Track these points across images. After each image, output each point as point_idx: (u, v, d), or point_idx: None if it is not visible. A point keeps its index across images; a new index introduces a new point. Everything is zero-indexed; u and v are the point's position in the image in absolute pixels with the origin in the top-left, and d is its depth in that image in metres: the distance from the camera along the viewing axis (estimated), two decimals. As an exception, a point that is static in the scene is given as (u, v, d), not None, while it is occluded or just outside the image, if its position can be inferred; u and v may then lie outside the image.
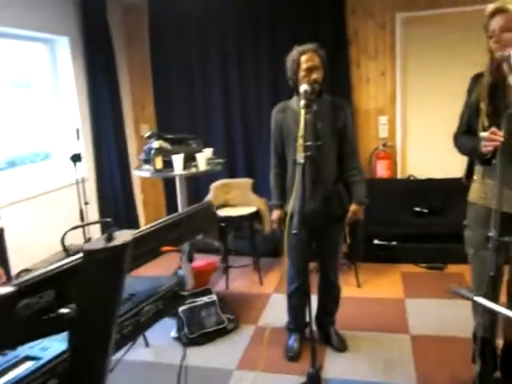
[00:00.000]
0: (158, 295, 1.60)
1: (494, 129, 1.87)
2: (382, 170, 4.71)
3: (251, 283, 4.06)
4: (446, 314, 3.25)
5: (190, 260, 1.59)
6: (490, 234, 1.76)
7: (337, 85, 4.67)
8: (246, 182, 4.24)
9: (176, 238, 1.47)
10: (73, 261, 1.04)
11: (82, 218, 3.44)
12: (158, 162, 2.99)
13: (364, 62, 4.69)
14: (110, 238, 1.02)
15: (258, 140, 4.81)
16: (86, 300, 1.02)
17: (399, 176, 4.81)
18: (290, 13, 4.61)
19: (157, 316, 1.59)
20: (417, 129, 4.72)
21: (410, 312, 3.37)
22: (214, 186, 4.16)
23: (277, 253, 4.40)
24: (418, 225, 4.45)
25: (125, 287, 1.71)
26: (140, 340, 3.09)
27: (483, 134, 1.92)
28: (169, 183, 4.87)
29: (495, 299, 2.22)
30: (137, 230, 1.25)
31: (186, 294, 1.69)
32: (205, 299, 3.33)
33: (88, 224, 3.28)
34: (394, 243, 4.38)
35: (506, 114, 1.82)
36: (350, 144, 2.63)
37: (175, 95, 5.01)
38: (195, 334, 3.12)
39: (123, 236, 1.05)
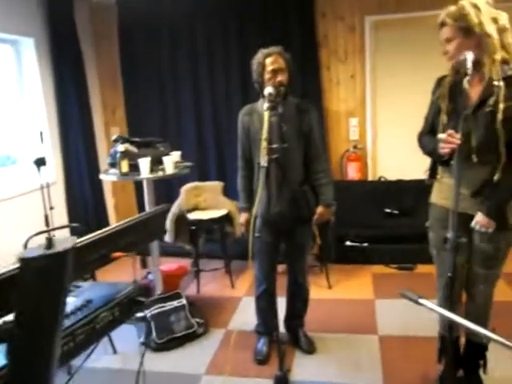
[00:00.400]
0: (115, 302, 1.58)
1: (450, 131, 1.90)
2: (353, 172, 4.75)
3: (222, 287, 4.04)
4: (413, 314, 3.26)
5: (144, 266, 1.54)
6: (448, 234, 1.78)
7: (307, 87, 4.70)
8: (217, 184, 4.22)
9: (129, 244, 1.45)
10: (12, 269, 1.01)
11: (47, 224, 3.36)
12: (124, 166, 2.95)
13: (334, 65, 4.72)
14: (50, 245, 0.99)
15: (228, 143, 4.79)
16: (25, 310, 0.98)
17: (370, 178, 4.86)
18: (259, 15, 4.62)
19: (113, 323, 1.57)
20: (387, 131, 4.77)
21: (379, 313, 3.39)
22: (184, 188, 4.12)
23: (248, 256, 4.38)
24: (389, 226, 4.50)
25: (82, 293, 1.68)
26: (108, 346, 3.04)
27: (440, 136, 1.95)
28: (140, 187, 4.80)
29: (455, 299, 2.26)
30: (84, 237, 1.22)
31: (144, 300, 1.66)
32: (174, 303, 3.30)
33: (53, 229, 3.19)
34: (366, 244, 4.42)
35: (463, 116, 1.85)
36: (317, 147, 2.63)
37: (146, 97, 4.97)
38: (164, 339, 3.08)
39: (65, 243, 1.02)
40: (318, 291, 3.81)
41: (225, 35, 4.71)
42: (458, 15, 1.99)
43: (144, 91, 4.96)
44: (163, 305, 3.26)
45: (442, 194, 2.19)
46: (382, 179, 4.78)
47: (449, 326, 1.86)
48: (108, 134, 5.15)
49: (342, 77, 4.73)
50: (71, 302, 1.48)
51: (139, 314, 3.06)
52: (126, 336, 3.13)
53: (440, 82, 2.20)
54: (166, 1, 4.69)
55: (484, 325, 2.31)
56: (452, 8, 2.01)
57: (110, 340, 3.05)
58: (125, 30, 4.87)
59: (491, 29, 1.99)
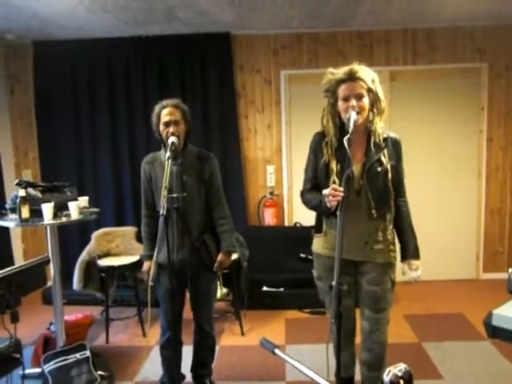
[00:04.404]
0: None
1: (334, 185, 2.05)
2: (269, 218, 4.87)
3: (133, 336, 3.90)
4: (321, 357, 3.33)
5: (14, 320, 1.46)
6: (333, 282, 1.87)
7: (227, 135, 4.86)
8: (130, 230, 4.15)
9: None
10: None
11: None
12: (25, 211, 2.84)
13: (252, 115, 4.92)
14: None
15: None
16: None
17: (286, 223, 4.99)
18: (179, 67, 4.75)
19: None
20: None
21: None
22: (95, 234, 4.02)
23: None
24: (304, 270, 4.58)
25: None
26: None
27: (325, 192, 2.08)
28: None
29: (346, 344, 2.36)
30: None
31: (18, 356, 1.59)
32: (77, 356, 3.13)
33: None
34: (282, 289, 4.48)
35: (345, 176, 2.00)
36: (217, 193, 2.69)
37: (61, 139, 4.89)
38: (62, 396, 2.91)
39: None
40: (230, 338, 3.80)
41: (143, 85, 4.79)
42: (370, 76, 2.17)
43: (59, 132, 4.88)
44: (65, 358, 3.08)
45: (327, 245, 2.32)
46: (298, 225, 4.93)
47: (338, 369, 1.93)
48: (20, 177, 4.95)
49: (260, 126, 4.94)
50: None
51: (34, 370, 2.88)
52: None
53: (320, 138, 2.34)
54: (83, 44, 4.72)
55: (381, 365, 2.41)
56: (364, 68, 2.19)
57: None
58: (40, 71, 4.82)
59: (382, 95, 2.22)
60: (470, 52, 4.81)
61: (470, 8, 4.22)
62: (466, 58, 4.81)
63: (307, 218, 4.91)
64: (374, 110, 2.23)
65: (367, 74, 2.18)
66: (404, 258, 2.38)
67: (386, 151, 2.25)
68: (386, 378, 0.99)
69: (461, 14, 4.38)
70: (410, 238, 2.37)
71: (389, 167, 2.24)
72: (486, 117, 4.88)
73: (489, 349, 3.41)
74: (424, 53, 4.82)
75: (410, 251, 2.36)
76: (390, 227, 2.33)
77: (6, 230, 4.54)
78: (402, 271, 2.37)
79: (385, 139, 2.26)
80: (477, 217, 5.03)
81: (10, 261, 4.68)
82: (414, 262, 2.36)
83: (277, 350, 1.19)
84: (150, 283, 2.19)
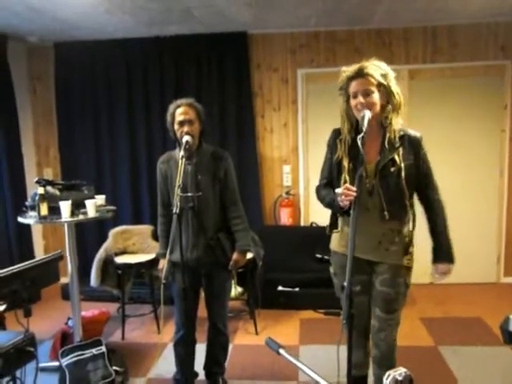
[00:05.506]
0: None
1: (347, 185, 2.03)
2: (285, 217, 4.86)
3: (149, 332, 3.94)
4: (335, 358, 3.31)
5: (27, 315, 1.49)
6: (344, 283, 1.85)
7: (243, 134, 4.86)
8: (147, 228, 4.20)
9: (12, 292, 1.43)
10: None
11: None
12: (43, 209, 2.90)
13: (268, 114, 4.92)
14: None
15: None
16: None
17: (302, 223, 4.97)
18: (196, 66, 4.78)
19: (-4, 375, 1.51)
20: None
21: (302, 358, 3.40)
22: (112, 232, 4.07)
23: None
24: (319, 271, 4.56)
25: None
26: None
27: (338, 191, 2.07)
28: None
29: (359, 342, 2.34)
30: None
31: (32, 350, 1.62)
32: (93, 351, 3.18)
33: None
34: (297, 289, 4.46)
35: (358, 175, 1.98)
36: (232, 192, 2.69)
37: (80, 137, 4.97)
38: (78, 390, 2.95)
39: None
40: (244, 337, 3.81)
41: (161, 84, 4.83)
42: (381, 71, 2.14)
43: (79, 131, 4.96)
44: (81, 352, 3.14)
45: (343, 242, 2.30)
46: (314, 225, 4.91)
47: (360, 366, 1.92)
48: (41, 175, 5.06)
49: (276, 125, 4.93)
50: None
51: (52, 364, 2.93)
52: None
53: (336, 135, 2.32)
54: (102, 44, 4.79)
55: (391, 364, 2.38)
56: (375, 63, 2.16)
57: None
58: (61, 71, 4.91)
59: (396, 89, 2.18)
60: (492, 49, 4.71)
61: (493, 3, 4.13)
62: (488, 55, 4.71)
63: (323, 217, 4.86)
64: (390, 106, 2.19)
65: (377, 69, 2.13)
66: (434, 259, 2.32)
67: (400, 150, 2.20)
68: (386, 381, 0.98)
69: (484, 9, 4.28)
70: (441, 239, 2.32)
71: (403, 166, 2.17)
72: (510, 116, 4.77)
73: (507, 354, 3.34)
74: (444, 50, 4.74)
75: (437, 254, 2.31)
76: (407, 229, 2.27)
77: (27, 227, 4.65)
78: (431, 273, 2.32)
79: (401, 137, 2.21)
80: (498, 218, 4.92)
81: (31, 257, 4.79)
82: (440, 266, 2.31)
83: (281, 350, 1.19)
84: (163, 281, 2.21)
